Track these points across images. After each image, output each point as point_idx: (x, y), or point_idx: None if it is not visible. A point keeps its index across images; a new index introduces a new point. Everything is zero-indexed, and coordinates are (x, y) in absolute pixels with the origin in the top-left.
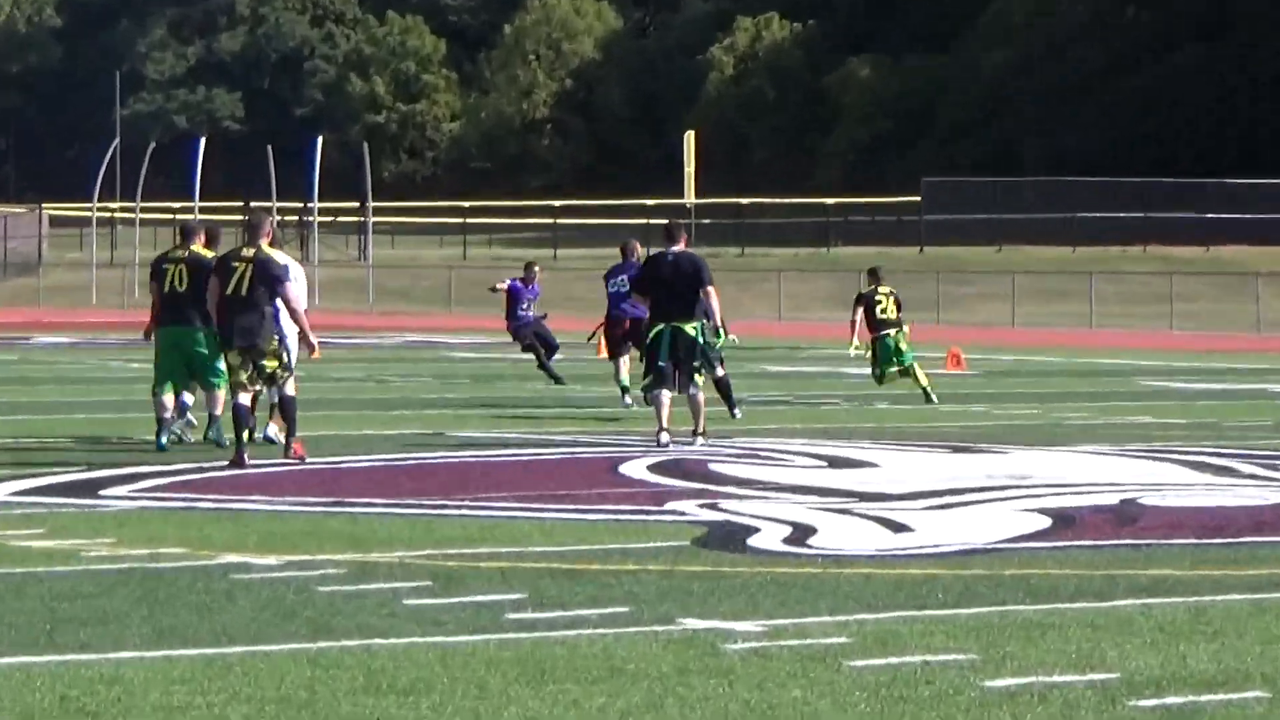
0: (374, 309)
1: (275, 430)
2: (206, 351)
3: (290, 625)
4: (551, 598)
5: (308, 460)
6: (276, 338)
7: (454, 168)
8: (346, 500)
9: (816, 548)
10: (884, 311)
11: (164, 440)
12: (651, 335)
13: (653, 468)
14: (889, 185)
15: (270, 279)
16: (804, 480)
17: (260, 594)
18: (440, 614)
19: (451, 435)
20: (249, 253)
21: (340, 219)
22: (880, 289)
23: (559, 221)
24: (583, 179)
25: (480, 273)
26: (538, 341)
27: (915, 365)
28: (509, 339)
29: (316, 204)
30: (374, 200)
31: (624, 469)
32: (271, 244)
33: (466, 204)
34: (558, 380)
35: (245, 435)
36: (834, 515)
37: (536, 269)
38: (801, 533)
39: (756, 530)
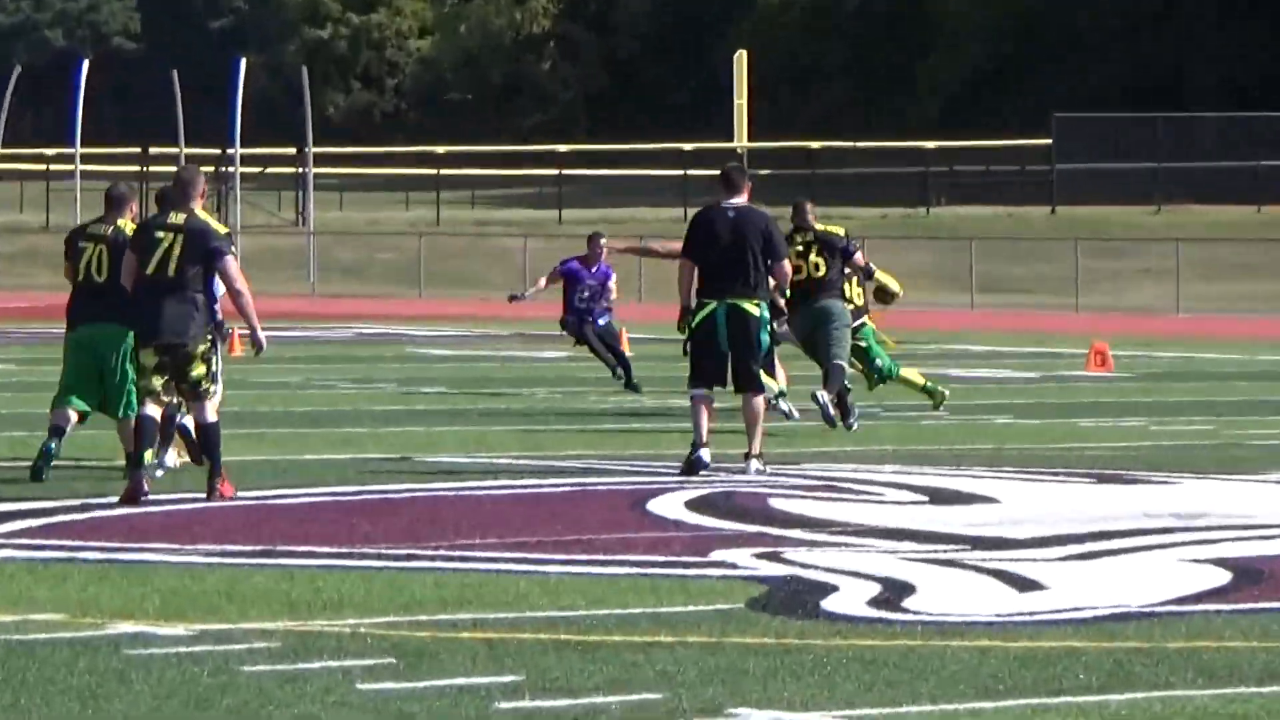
0: (317, 290)
1: (174, 457)
2: (127, 364)
3: (205, 717)
4: (556, 680)
5: (232, 497)
6: (210, 336)
7: (424, 101)
8: (280, 549)
9: (914, 612)
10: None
11: (54, 447)
12: (700, 316)
13: (693, 504)
14: (1009, 124)
15: (209, 254)
16: (897, 520)
17: (164, 676)
18: (406, 702)
19: (421, 460)
20: (178, 219)
21: (271, 170)
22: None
23: (565, 173)
24: (597, 116)
25: (459, 241)
26: (601, 345)
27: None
28: (503, 332)
29: (239, 149)
30: (316, 145)
31: (654, 505)
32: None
33: (440, 149)
34: (633, 387)
35: (149, 455)
36: (938, 568)
37: (604, 241)
38: (894, 592)
39: (833, 589)
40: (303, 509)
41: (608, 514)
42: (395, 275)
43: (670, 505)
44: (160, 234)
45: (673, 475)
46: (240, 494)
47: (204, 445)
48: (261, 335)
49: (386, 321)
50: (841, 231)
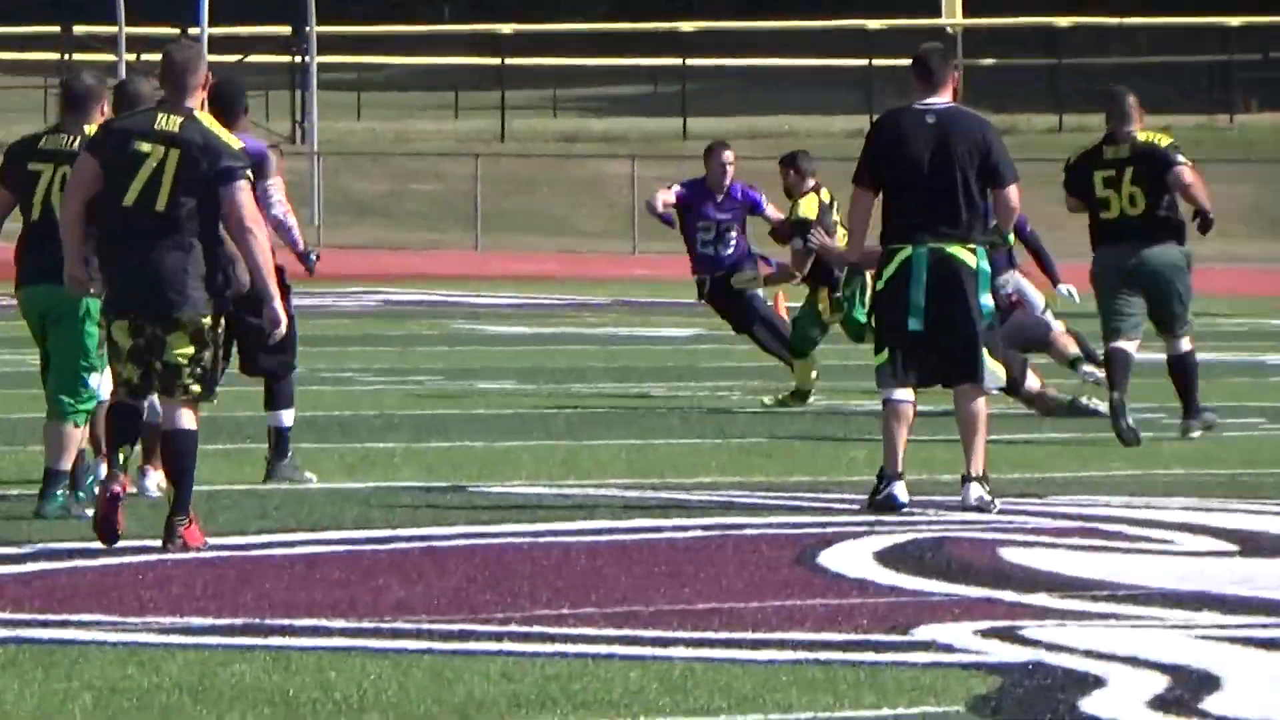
0: (323, 237)
1: (159, 482)
2: (85, 343)
3: None
4: None
5: (201, 545)
6: (213, 301)
7: None
8: (271, 623)
9: (1219, 717)
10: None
11: (79, 515)
12: (893, 267)
13: (886, 556)
14: None
15: (218, 176)
16: (1192, 580)
17: None
18: None
19: (481, 491)
20: (170, 124)
21: (255, 59)
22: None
23: (691, 64)
24: None
25: (534, 166)
26: (772, 339)
27: None
28: (601, 298)
29: (206, 28)
30: (320, 23)
31: (829, 558)
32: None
33: (506, 29)
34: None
35: (121, 457)
36: (1254, 651)
37: (728, 155)
38: (1188, 686)
39: (1097, 682)
40: (305, 564)
41: (760, 571)
42: (439, 216)
43: (853, 558)
44: (144, 146)
45: (856, 513)
46: (213, 541)
47: (168, 465)
48: (279, 307)
49: (427, 284)
50: (1166, 140)
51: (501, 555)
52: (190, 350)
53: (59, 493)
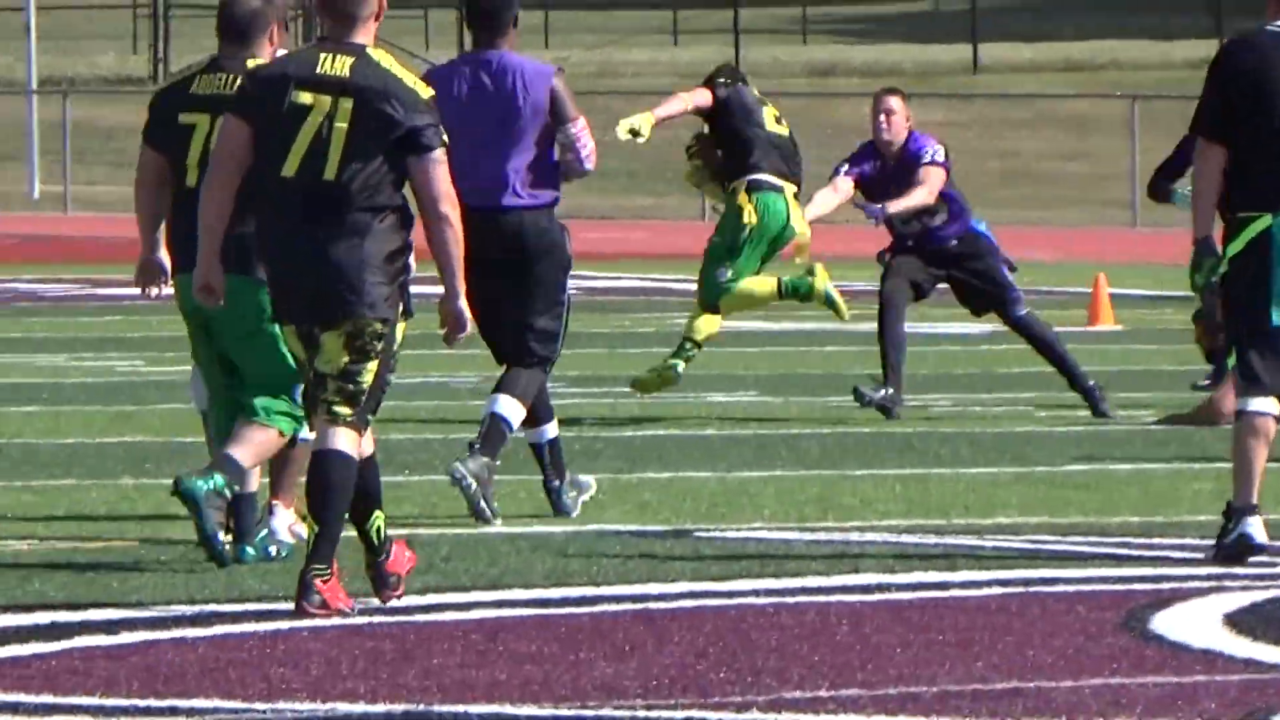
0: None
1: (292, 524)
2: (281, 347)
3: None
4: None
5: (346, 610)
6: (399, 300)
7: None
8: (439, 710)
9: None
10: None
11: (212, 528)
12: (1242, 242)
13: (1240, 619)
14: None
15: (405, 140)
16: None
17: None
18: None
19: (711, 536)
20: (338, 66)
21: None
22: None
23: None
24: None
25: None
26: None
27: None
28: (864, 284)
29: None
30: None
31: (1164, 622)
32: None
33: None
34: (1091, 397)
35: (374, 530)
36: None
37: (891, 103)
38: None
39: None
40: (483, 633)
41: (1076, 639)
42: (654, 175)
43: (1196, 622)
44: (305, 97)
45: (1201, 563)
46: (361, 603)
47: (311, 498)
48: (464, 307)
49: (638, 265)
50: None
51: (738, 621)
52: (344, 360)
53: (220, 477)
